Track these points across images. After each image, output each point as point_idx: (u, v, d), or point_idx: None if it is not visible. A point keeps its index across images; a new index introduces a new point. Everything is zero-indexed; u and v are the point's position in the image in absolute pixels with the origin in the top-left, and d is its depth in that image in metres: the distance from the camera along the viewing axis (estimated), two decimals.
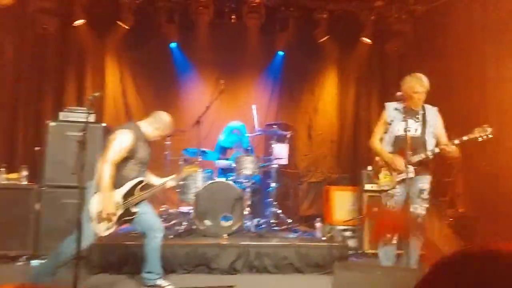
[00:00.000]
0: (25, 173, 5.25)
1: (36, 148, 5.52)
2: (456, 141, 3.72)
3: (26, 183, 5.19)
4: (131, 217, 3.77)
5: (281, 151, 6.10)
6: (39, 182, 5.12)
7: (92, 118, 5.08)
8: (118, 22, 7.09)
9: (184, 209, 5.69)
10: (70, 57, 7.18)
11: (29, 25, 6.60)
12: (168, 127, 4.00)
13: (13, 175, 5.21)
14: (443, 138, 3.96)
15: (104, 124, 5.33)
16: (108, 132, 5.57)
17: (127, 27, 7.12)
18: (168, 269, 4.41)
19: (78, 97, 7.09)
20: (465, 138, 3.70)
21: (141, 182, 3.82)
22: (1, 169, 5.17)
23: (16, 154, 6.47)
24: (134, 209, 3.77)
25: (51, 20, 6.68)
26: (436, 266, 0.64)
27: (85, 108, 5.34)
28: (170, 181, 4.03)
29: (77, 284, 3.15)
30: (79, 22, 6.90)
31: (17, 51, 6.56)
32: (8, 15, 6.20)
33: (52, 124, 5.18)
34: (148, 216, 3.88)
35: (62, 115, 5.30)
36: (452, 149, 3.71)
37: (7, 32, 6.37)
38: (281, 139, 6.18)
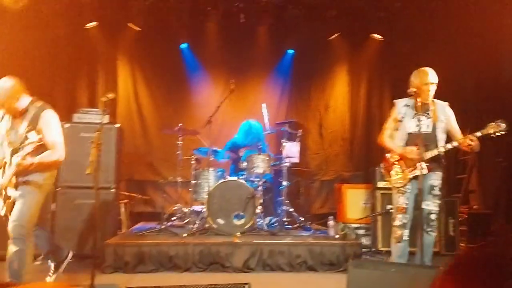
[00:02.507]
0: None
1: None
2: (478, 134, 3.67)
3: None
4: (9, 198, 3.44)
5: (292, 150, 6.11)
6: (55, 183, 5.18)
7: (106, 119, 5.16)
8: (129, 24, 7.16)
9: (197, 208, 5.73)
10: (82, 59, 7.28)
11: (42, 28, 6.69)
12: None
13: None
14: (457, 132, 3.93)
15: (117, 125, 5.40)
16: (121, 132, 5.66)
17: (138, 29, 7.19)
18: (183, 267, 4.46)
19: (91, 98, 7.18)
20: (478, 134, 3.67)
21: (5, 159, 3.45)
22: None
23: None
24: (9, 192, 3.42)
25: (63, 23, 6.78)
26: (459, 260, 0.64)
27: (98, 110, 5.41)
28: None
29: (94, 283, 3.20)
30: (90, 24, 6.98)
31: (30, 54, 6.65)
32: (22, 19, 6.29)
33: (66, 125, 5.24)
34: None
35: (76, 117, 5.38)
36: (473, 141, 3.65)
37: (20, 36, 6.45)
38: (292, 138, 6.18)
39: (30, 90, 6.64)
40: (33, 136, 3.22)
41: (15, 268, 3.33)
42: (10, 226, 3.34)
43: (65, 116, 6.35)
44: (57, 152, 3.44)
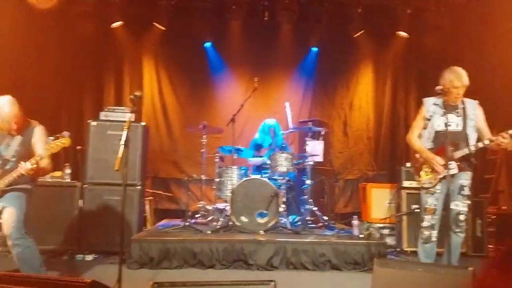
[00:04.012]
0: (68, 171, 5.46)
1: (78, 147, 5.73)
2: (511, 131, 3.57)
3: (69, 180, 5.40)
4: None
5: (316, 148, 6.07)
6: (82, 179, 5.30)
7: (132, 117, 5.23)
8: (154, 23, 7.25)
9: (221, 205, 5.76)
10: (108, 58, 7.43)
11: (70, 28, 6.85)
12: None
13: (57, 173, 5.41)
14: (486, 132, 3.84)
15: (143, 123, 5.47)
16: (147, 130, 5.74)
17: (163, 28, 7.27)
18: (207, 264, 4.49)
19: (117, 97, 7.31)
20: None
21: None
22: None
23: (59, 153, 6.68)
24: None
25: (90, 23, 6.93)
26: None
27: (124, 108, 5.50)
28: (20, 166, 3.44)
29: (121, 280, 3.25)
30: (116, 24, 7.11)
31: (58, 54, 6.82)
32: (50, 19, 6.45)
33: (93, 123, 5.35)
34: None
35: (102, 115, 5.47)
36: (506, 139, 3.56)
37: (49, 36, 6.62)
38: (315, 136, 6.15)
39: (59, 89, 6.89)
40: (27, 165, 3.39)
41: (34, 265, 3.49)
42: (10, 231, 3.41)
43: (92, 114, 6.53)
44: (47, 162, 3.65)
